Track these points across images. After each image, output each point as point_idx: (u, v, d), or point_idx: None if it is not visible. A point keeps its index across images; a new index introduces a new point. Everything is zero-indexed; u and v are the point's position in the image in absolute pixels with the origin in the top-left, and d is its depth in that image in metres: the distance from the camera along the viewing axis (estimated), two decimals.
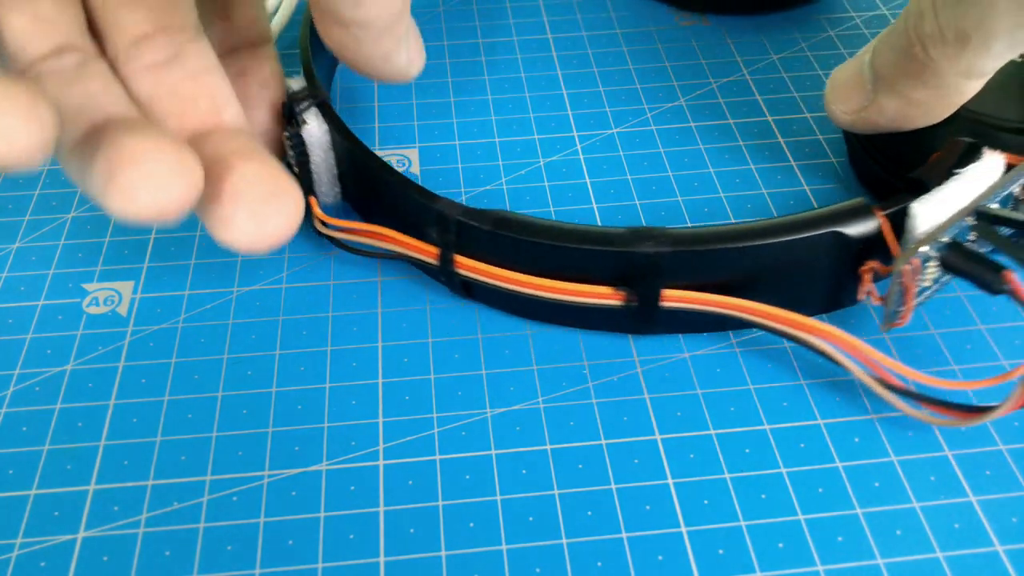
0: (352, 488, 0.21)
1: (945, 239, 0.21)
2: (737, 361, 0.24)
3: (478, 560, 0.20)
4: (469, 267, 0.23)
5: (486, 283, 0.23)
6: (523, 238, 0.22)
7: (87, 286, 0.26)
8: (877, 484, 0.21)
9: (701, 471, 0.22)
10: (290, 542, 0.20)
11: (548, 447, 0.22)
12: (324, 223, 0.26)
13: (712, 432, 0.22)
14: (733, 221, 0.27)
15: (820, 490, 0.21)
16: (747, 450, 0.22)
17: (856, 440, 0.22)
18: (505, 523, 0.21)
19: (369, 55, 0.23)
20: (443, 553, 0.20)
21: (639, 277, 0.22)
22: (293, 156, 0.25)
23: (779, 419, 0.22)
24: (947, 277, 0.22)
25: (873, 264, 0.22)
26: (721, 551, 0.20)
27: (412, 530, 0.21)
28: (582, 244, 0.22)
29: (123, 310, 0.25)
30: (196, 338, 0.24)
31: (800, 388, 0.23)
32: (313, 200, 0.26)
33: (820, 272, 0.23)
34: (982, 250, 0.21)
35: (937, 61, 0.22)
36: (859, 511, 0.21)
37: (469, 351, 0.24)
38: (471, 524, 0.21)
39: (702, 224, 0.24)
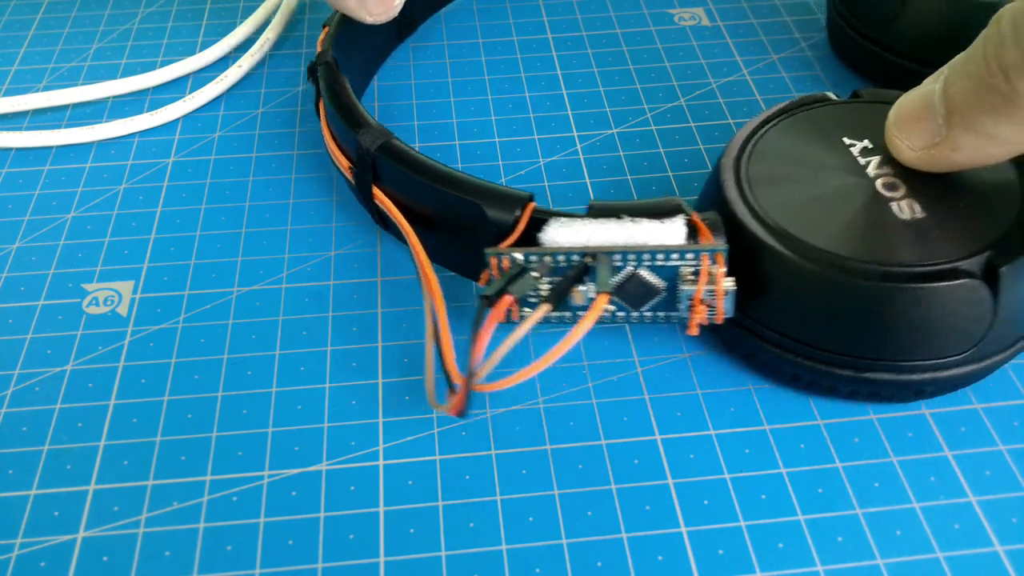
0: (352, 488, 0.21)
1: (548, 259, 0.21)
2: (737, 361, 0.24)
3: (478, 560, 0.20)
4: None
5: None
6: (326, 98, 0.26)
7: (87, 286, 0.26)
8: (877, 484, 0.21)
9: (701, 471, 0.22)
10: (290, 542, 0.20)
11: (548, 447, 0.22)
12: None
13: (712, 432, 0.22)
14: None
15: (820, 490, 0.21)
16: (747, 450, 0.22)
17: (856, 440, 0.22)
18: (505, 523, 0.21)
19: None
20: (443, 553, 0.20)
21: (363, 166, 0.24)
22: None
23: (779, 419, 0.22)
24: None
25: (489, 249, 0.22)
26: (721, 551, 0.20)
27: (412, 530, 0.21)
28: (343, 119, 0.25)
29: (123, 310, 0.25)
30: (196, 338, 0.24)
31: None
32: None
33: (472, 240, 0.23)
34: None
35: (1022, 95, 0.19)
36: (859, 511, 0.21)
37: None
38: (471, 524, 0.21)
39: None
